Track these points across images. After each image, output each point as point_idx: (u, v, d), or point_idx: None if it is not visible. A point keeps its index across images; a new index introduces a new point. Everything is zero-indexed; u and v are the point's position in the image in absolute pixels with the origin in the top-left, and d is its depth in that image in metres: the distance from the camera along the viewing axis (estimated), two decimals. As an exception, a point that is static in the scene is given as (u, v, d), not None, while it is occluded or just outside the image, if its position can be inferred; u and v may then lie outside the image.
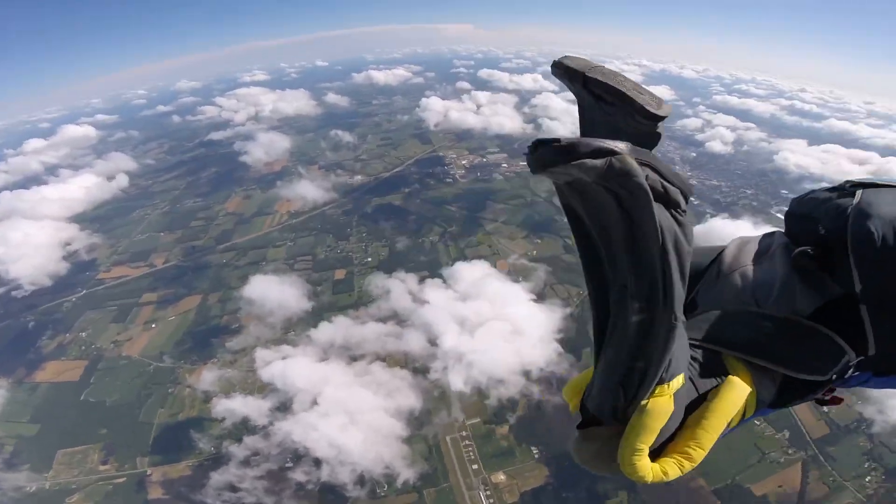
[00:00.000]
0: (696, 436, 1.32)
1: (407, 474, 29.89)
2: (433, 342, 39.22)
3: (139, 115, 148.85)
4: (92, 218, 65.97)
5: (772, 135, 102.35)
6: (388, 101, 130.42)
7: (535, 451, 31.54)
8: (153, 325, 43.16)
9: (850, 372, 1.42)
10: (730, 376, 1.38)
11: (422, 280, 46.81)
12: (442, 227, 57.21)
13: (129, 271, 52.21)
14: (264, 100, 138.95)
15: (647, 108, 1.25)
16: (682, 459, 1.31)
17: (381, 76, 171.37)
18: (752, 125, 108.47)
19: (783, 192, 68.70)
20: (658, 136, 1.36)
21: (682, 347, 1.25)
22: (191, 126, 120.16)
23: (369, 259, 51.18)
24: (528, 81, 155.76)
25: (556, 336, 39.48)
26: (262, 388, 35.58)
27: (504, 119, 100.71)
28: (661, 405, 1.23)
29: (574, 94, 1.32)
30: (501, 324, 40.15)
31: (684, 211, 1.10)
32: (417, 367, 37.53)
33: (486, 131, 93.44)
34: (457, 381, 35.57)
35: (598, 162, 0.92)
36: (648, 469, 1.27)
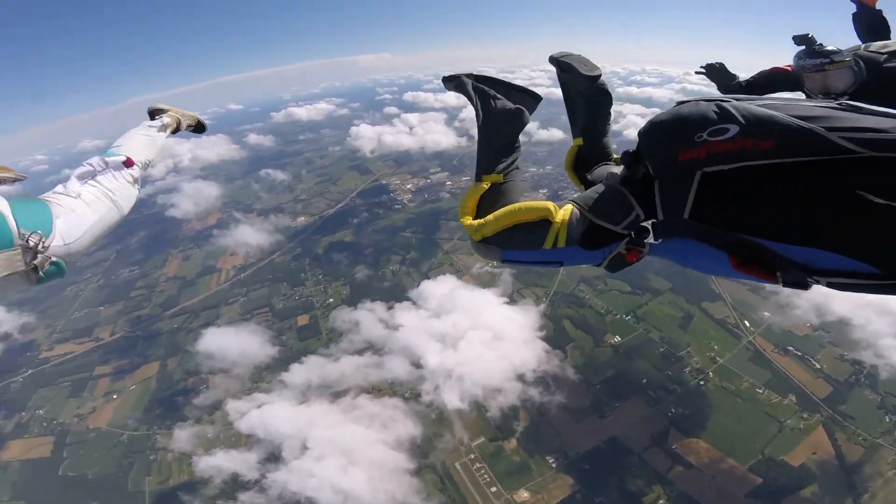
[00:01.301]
0: (497, 212, 2.00)
1: (426, 510, 28.30)
2: (417, 364, 38.65)
3: (45, 182, 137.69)
4: (20, 301, 59.51)
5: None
6: (315, 135, 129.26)
7: (550, 461, 30.60)
8: (114, 396, 40.46)
9: (650, 237, 1.78)
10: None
11: (390, 307, 46.35)
12: (400, 255, 57.23)
13: (74, 347, 48.49)
14: (180, 150, 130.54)
15: (582, 71, 2.44)
16: (481, 220, 2.03)
17: (302, 112, 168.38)
18: (658, 110, 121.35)
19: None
20: (602, 90, 2.54)
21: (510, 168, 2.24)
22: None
23: (331, 300, 50.15)
24: (451, 98, 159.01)
25: (538, 335, 39.89)
26: (243, 441, 33.68)
27: (438, 136, 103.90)
28: (470, 187, 2.16)
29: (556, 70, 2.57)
30: (481, 332, 40.37)
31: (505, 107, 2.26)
32: (407, 394, 36.73)
33: (424, 151, 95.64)
34: (452, 399, 34.95)
35: (457, 81, 2.33)
36: (467, 220, 2.08)
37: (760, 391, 33.30)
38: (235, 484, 30.89)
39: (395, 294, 49.05)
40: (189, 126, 3.18)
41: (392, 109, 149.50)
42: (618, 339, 39.58)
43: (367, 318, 45.10)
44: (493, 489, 29.40)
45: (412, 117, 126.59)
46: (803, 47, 3.21)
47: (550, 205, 1.93)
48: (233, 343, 42.64)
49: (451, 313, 43.51)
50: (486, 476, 30.20)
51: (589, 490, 28.90)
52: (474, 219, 2.07)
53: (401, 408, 35.45)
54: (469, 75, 2.35)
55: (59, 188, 2.07)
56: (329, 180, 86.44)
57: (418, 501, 28.97)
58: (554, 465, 30.42)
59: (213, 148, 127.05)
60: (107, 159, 2.25)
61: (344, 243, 61.50)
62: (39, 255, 1.53)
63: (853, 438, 29.51)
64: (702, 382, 34.69)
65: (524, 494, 28.96)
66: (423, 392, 36.46)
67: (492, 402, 34.85)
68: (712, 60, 4.49)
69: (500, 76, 2.39)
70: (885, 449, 28.71)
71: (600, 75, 2.41)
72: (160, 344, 46.76)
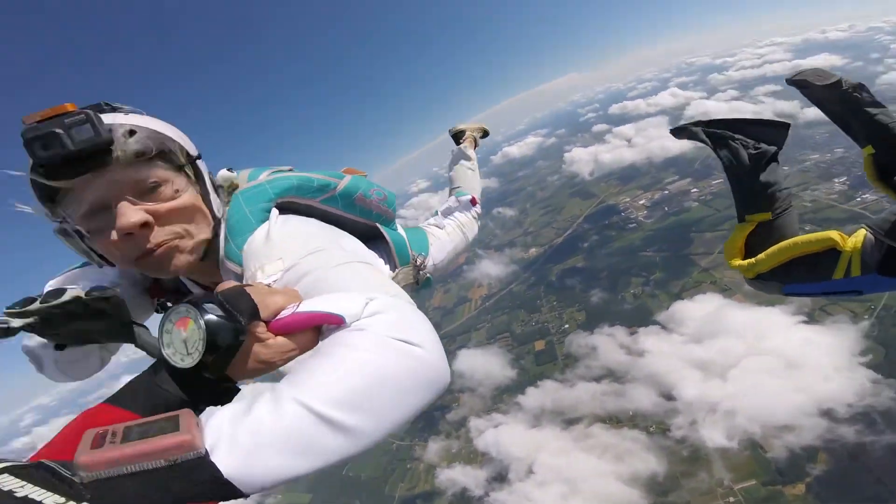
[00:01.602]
0: (769, 249, 1.79)
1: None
2: (667, 395, 33.54)
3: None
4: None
5: None
6: (531, 170, 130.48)
7: None
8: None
9: None
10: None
11: (633, 332, 41.89)
12: (642, 276, 51.46)
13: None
14: (433, 202, 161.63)
15: (819, 83, 1.97)
16: (751, 259, 1.84)
17: (515, 150, 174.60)
18: None
19: None
20: (853, 92, 1.97)
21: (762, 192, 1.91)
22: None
23: (566, 326, 48.67)
24: (667, 99, 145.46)
25: (860, 361, 30.13)
26: (479, 458, 35.27)
27: (666, 141, 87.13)
28: (741, 227, 1.92)
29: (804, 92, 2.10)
30: (764, 359, 32.78)
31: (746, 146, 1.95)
32: (652, 427, 32.14)
33: (652, 161, 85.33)
34: (715, 436, 29.01)
35: (687, 132, 2.04)
36: (736, 261, 1.91)
37: None
38: (463, 498, 32.52)
39: (639, 318, 44.26)
40: (481, 137, 3.61)
41: (601, 127, 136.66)
42: None
43: (606, 343, 41.91)
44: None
45: (626, 129, 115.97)
46: None
47: (835, 234, 1.75)
48: (479, 364, 46.34)
49: (716, 337, 36.57)
50: (748, 525, 24.10)
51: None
52: (744, 258, 1.97)
53: (642, 441, 31.23)
54: (697, 123, 2.21)
55: (433, 220, 2.67)
56: (553, 210, 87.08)
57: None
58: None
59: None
60: (459, 199, 2.81)
61: (576, 269, 60.00)
62: (420, 272, 1.94)
63: None
64: None
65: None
66: (672, 426, 31.32)
67: (775, 441, 27.65)
68: None
69: (733, 116, 2.18)
70: None
71: (840, 80, 2.05)
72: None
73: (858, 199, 44.97)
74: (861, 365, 29.38)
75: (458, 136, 3.42)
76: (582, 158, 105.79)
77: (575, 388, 38.01)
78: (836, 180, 50.95)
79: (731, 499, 26.01)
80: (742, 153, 2.02)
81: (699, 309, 40.68)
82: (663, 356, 36.95)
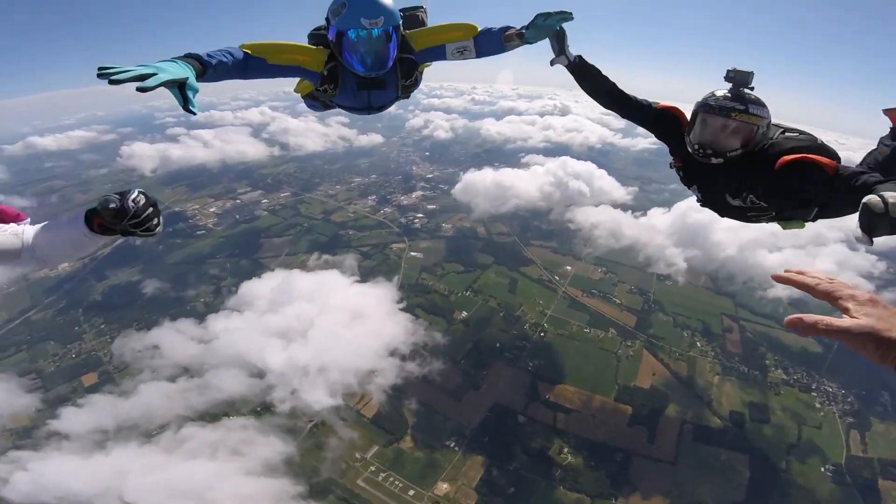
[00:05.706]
0: None
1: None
2: (257, 373, 34.34)
3: None
4: None
5: (471, 120, 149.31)
6: (70, 162, 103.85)
7: (452, 445, 31.11)
8: None
9: None
10: None
11: (201, 322, 40.70)
12: (212, 284, 50.85)
13: None
14: None
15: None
16: None
17: (49, 142, 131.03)
18: (456, 116, 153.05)
19: (495, 163, 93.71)
20: None
21: None
22: None
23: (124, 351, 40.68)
24: (255, 115, 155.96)
25: (399, 306, 40.51)
26: None
27: (244, 146, 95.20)
28: None
29: None
30: (334, 315, 38.70)
31: None
32: (249, 410, 31.98)
33: (226, 163, 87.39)
34: (319, 398, 31.95)
35: None
36: None
37: (587, 331, 40.64)
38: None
39: (210, 312, 43.72)
40: None
41: (179, 130, 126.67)
42: (465, 313, 43.43)
43: (172, 338, 38.67)
44: (412, 492, 28.35)
45: (206, 133, 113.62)
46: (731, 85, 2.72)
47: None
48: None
49: (289, 304, 40.38)
50: (397, 483, 28.91)
51: (500, 461, 30.06)
52: None
53: (253, 426, 30.92)
54: None
55: None
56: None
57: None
58: (458, 449, 30.94)
59: None
60: None
61: (132, 283, 51.83)
62: None
63: (673, 356, 37.68)
64: (542, 334, 40.50)
65: (444, 486, 28.61)
66: (276, 401, 32.60)
67: (370, 386, 33.39)
68: None
69: None
70: (699, 359, 37.27)
71: None
72: None
73: (381, 212, 66.84)
74: (400, 310, 40.54)
75: None
76: (144, 153, 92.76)
77: (141, 395, 33.13)
78: (369, 198, 72.44)
79: (373, 467, 29.54)
80: None
81: (267, 285, 45.12)
82: (241, 334, 38.17)
